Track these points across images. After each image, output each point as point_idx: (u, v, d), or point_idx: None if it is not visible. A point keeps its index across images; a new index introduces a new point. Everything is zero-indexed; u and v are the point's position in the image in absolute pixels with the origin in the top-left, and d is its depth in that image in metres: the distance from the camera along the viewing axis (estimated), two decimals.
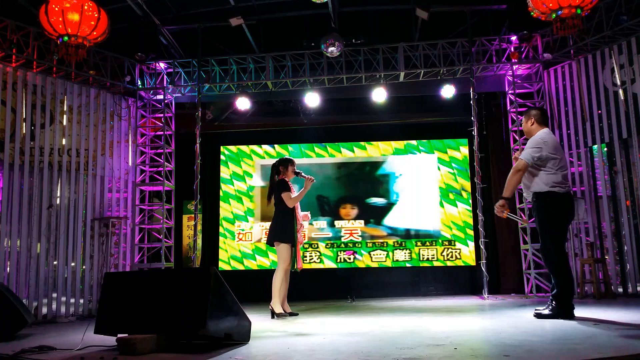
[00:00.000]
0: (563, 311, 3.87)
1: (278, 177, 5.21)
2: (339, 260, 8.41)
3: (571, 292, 3.95)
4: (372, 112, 8.33)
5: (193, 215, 7.97)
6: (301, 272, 5.15)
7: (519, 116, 7.33)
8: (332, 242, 8.43)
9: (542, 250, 4.16)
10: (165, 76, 7.88)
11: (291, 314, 5.02)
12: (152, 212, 7.89)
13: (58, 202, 6.63)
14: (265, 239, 5.63)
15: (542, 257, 4.27)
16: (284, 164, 5.27)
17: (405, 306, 6.03)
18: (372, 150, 8.75)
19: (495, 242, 8.12)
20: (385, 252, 8.35)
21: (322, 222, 8.51)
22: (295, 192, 5.17)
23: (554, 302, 3.95)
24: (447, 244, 8.34)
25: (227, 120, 8.93)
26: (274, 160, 5.40)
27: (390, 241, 8.39)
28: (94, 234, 6.96)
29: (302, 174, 5.20)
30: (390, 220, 8.46)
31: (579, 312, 3.99)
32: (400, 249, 8.35)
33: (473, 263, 8.17)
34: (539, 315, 4.00)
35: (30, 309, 5.81)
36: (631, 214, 6.44)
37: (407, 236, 8.40)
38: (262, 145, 8.87)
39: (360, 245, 8.41)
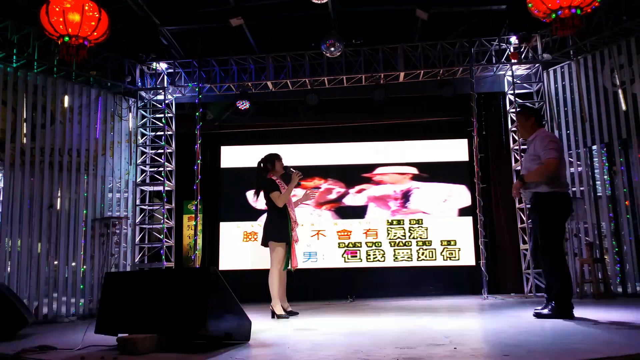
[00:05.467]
0: (562, 311, 3.88)
1: (267, 175, 5.04)
2: (339, 260, 8.41)
3: (570, 292, 3.95)
4: (372, 112, 8.34)
5: (193, 215, 7.97)
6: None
7: None
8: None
9: (541, 249, 4.16)
10: (165, 76, 7.89)
11: (291, 313, 5.02)
12: (153, 212, 7.90)
13: (58, 202, 6.63)
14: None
15: (540, 257, 4.26)
16: (270, 160, 5.06)
17: (405, 306, 6.03)
18: (372, 150, 8.75)
19: (495, 242, 8.13)
20: (384, 252, 8.36)
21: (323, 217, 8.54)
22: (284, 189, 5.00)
23: (553, 302, 3.96)
24: (446, 244, 8.35)
25: (227, 120, 8.94)
26: None
27: (390, 241, 8.39)
28: (94, 234, 6.96)
29: (291, 168, 5.04)
30: (389, 220, 8.47)
31: (578, 312, 3.99)
32: (400, 249, 8.35)
33: (473, 263, 8.18)
34: (538, 315, 4.01)
35: (30, 308, 5.81)
36: (630, 214, 6.45)
37: (406, 236, 8.40)
38: (262, 146, 8.86)
39: (360, 245, 8.42)
